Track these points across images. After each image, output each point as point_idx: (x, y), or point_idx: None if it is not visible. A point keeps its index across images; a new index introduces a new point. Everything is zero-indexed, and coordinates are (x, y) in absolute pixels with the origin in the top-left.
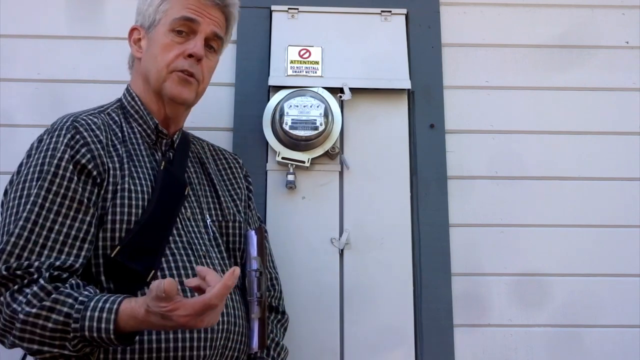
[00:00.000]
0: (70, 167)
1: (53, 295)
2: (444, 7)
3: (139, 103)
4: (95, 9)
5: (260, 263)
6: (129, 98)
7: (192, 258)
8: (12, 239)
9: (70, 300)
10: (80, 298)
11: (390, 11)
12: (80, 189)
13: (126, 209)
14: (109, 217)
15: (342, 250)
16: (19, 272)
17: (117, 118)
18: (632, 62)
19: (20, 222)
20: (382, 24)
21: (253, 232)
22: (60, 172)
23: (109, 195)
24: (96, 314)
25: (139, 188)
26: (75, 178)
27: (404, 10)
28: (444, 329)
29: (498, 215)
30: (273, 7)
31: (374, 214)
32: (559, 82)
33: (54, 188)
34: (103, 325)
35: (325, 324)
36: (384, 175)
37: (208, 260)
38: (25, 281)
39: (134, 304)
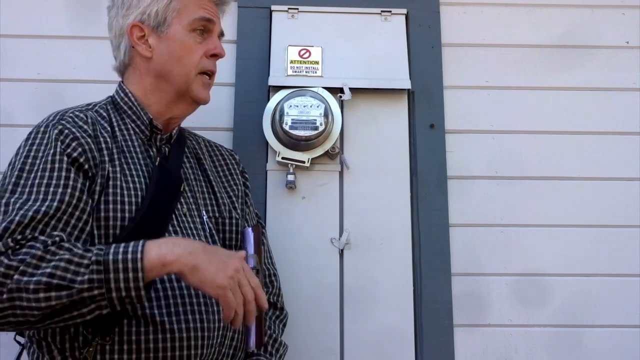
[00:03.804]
0: (65, 158)
1: (68, 244)
2: (444, 7)
3: (132, 99)
4: (95, 9)
5: (257, 261)
6: (121, 94)
7: None
8: (17, 219)
9: (87, 247)
10: (99, 246)
11: (390, 11)
12: (79, 180)
13: (119, 206)
14: (102, 215)
15: (342, 250)
16: (23, 242)
17: (105, 114)
18: (632, 62)
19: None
20: (382, 24)
21: (250, 230)
22: (57, 165)
23: (98, 188)
24: (121, 245)
25: (131, 185)
26: (73, 169)
27: (404, 10)
28: (444, 329)
29: (498, 215)
30: (273, 7)
31: (374, 214)
32: (559, 82)
33: (54, 180)
34: (131, 248)
35: (325, 323)
36: (384, 175)
37: None
38: (29, 242)
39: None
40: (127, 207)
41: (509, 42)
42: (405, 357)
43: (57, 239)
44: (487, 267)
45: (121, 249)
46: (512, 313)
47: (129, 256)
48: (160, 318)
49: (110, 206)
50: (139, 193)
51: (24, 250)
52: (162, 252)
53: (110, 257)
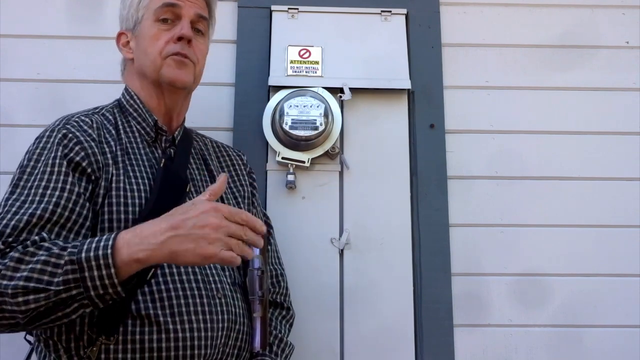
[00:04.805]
0: (65, 163)
1: (48, 243)
2: (444, 7)
3: (137, 101)
4: (95, 9)
5: (262, 261)
6: (127, 97)
7: None
8: (12, 223)
9: (64, 244)
10: (75, 243)
11: (390, 11)
12: (76, 183)
13: (122, 208)
14: (106, 217)
15: (342, 250)
16: (14, 245)
17: (111, 117)
18: (632, 62)
19: (18, 214)
20: (382, 24)
21: None
22: (56, 169)
23: (102, 192)
24: (94, 241)
25: (134, 187)
26: (71, 173)
27: (404, 10)
28: (444, 329)
29: (498, 215)
30: (273, 7)
31: (374, 214)
32: (559, 82)
33: (52, 183)
34: (102, 243)
35: (325, 323)
36: (384, 175)
37: None
38: (15, 244)
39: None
40: (130, 208)
41: (509, 42)
42: (405, 357)
43: (37, 238)
44: (487, 267)
45: (93, 245)
46: (512, 313)
47: (100, 252)
48: (163, 318)
49: (114, 208)
50: (143, 194)
51: (10, 253)
52: (133, 250)
53: (83, 254)
